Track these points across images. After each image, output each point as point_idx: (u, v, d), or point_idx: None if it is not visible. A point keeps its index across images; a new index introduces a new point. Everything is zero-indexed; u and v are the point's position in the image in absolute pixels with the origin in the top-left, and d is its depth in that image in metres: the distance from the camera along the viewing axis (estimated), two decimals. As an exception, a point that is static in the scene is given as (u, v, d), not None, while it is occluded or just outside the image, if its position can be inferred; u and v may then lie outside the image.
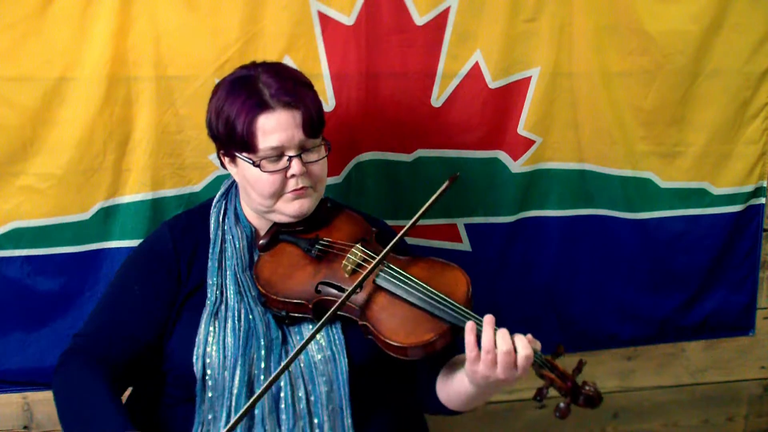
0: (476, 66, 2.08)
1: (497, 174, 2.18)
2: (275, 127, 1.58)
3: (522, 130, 2.15)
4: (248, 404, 1.45)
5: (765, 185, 2.36)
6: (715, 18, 2.17)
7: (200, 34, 1.91)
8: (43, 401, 2.06)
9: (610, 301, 2.34)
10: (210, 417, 1.57)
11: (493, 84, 2.10)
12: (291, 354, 1.51)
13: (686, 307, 2.39)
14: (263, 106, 1.58)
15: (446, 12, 2.03)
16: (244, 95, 1.60)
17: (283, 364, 1.47)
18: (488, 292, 2.17)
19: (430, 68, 2.07)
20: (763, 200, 2.37)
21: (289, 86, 1.61)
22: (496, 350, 1.45)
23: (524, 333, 1.51)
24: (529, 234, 2.24)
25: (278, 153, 1.60)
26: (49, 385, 1.98)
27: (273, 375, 1.47)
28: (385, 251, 1.58)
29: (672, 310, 2.38)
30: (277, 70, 1.66)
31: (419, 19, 2.03)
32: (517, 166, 2.18)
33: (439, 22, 2.04)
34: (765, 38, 2.23)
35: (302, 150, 1.61)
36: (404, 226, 1.62)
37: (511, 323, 2.23)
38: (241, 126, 1.58)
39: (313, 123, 1.62)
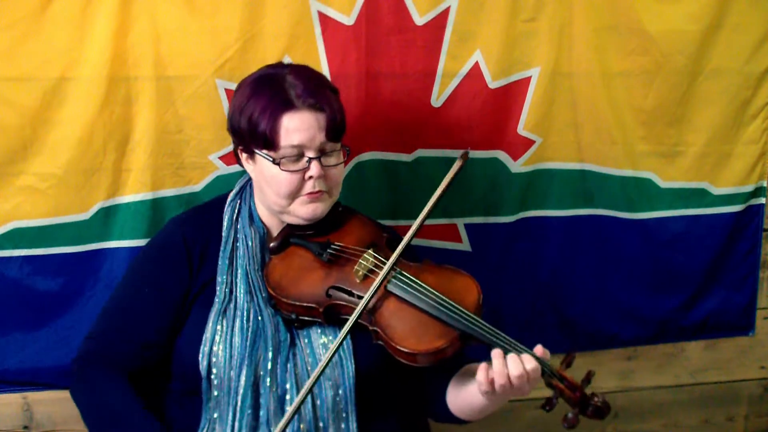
0: (476, 66, 2.08)
1: (497, 174, 2.17)
2: (298, 127, 1.59)
3: (522, 130, 2.15)
4: (285, 419, 1.46)
5: (765, 185, 2.35)
6: (715, 18, 2.17)
7: (200, 34, 1.91)
8: (43, 401, 2.06)
9: (610, 301, 2.34)
10: (215, 416, 1.57)
11: (493, 84, 2.10)
12: (299, 357, 1.55)
13: (686, 307, 2.39)
14: (288, 105, 1.59)
15: (446, 12, 2.03)
16: (269, 93, 1.61)
17: (314, 374, 1.47)
18: (488, 293, 2.15)
19: (430, 68, 2.06)
20: (763, 200, 2.37)
21: (315, 88, 1.62)
22: (509, 380, 1.45)
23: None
24: (529, 234, 2.24)
25: (298, 152, 1.60)
26: (49, 385, 2.00)
27: (305, 388, 1.47)
28: (397, 252, 1.57)
29: (672, 310, 2.38)
30: (303, 71, 1.68)
31: (419, 19, 2.03)
32: (517, 166, 2.18)
33: (439, 22, 2.03)
34: (765, 38, 2.23)
35: (322, 153, 1.62)
36: (406, 227, 1.62)
37: (512, 323, 2.26)
38: (265, 123, 1.59)
39: (336, 127, 1.63)
